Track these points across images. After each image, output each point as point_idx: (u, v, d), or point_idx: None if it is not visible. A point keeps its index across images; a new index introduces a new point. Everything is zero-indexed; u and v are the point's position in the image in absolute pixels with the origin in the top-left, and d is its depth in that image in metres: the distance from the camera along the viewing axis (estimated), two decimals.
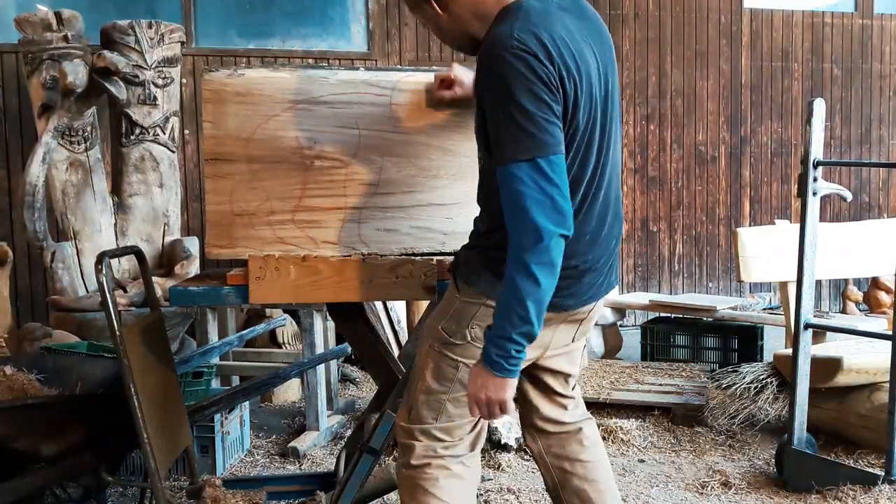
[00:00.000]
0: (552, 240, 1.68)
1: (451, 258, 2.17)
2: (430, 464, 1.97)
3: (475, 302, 1.89)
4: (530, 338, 1.74)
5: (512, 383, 1.78)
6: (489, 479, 3.38)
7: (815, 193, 3.19)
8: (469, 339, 1.90)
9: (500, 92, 1.71)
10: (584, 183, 1.86)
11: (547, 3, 1.82)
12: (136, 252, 2.66)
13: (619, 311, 5.54)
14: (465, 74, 2.23)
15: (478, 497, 2.39)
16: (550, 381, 2.12)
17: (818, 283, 4.68)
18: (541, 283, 1.69)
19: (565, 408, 2.16)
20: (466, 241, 2.03)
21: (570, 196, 1.75)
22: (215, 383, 4.09)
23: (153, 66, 4.99)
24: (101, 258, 2.27)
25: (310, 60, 6.05)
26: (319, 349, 3.95)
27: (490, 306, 1.83)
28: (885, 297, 6.04)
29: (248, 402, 3.69)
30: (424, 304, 3.12)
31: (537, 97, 1.70)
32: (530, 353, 1.87)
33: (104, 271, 2.24)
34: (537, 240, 1.67)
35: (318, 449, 3.81)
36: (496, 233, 1.83)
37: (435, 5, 1.89)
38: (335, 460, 2.86)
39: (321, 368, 3.87)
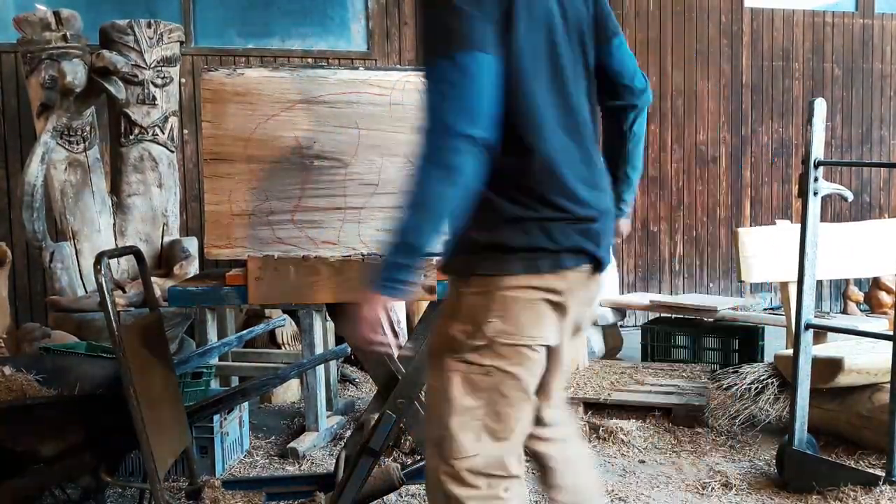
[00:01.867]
0: (456, 138, 1.49)
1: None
2: None
3: (483, 291, 1.64)
4: (410, 251, 1.53)
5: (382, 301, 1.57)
6: None
7: (815, 193, 3.18)
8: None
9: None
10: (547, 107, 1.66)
11: None
12: (135, 252, 2.65)
13: (620, 311, 5.53)
14: None
15: None
16: None
17: (819, 283, 4.67)
18: (436, 189, 1.50)
19: None
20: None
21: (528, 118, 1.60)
22: (214, 384, 4.08)
23: (152, 65, 4.98)
24: (100, 258, 2.26)
25: (309, 60, 6.04)
26: (319, 350, 3.94)
27: (502, 289, 1.62)
28: (886, 298, 6.05)
29: (247, 402, 3.68)
30: (424, 304, 3.11)
31: None
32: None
33: (103, 271, 2.23)
34: (440, 138, 1.50)
35: (317, 450, 3.80)
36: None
37: None
38: (334, 461, 2.85)
39: (320, 369, 3.86)
